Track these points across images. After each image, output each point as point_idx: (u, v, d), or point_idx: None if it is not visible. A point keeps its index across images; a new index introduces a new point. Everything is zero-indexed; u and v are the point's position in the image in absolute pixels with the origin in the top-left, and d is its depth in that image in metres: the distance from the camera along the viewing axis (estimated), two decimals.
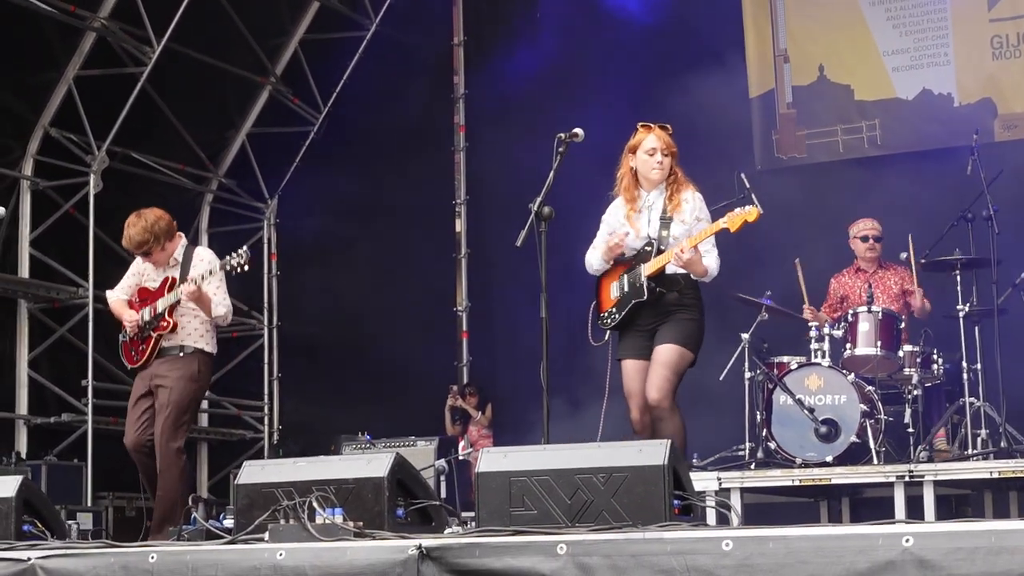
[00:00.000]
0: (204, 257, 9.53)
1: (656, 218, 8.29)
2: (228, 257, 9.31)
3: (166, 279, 9.44)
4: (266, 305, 16.85)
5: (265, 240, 16.96)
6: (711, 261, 8.28)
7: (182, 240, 9.61)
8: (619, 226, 8.41)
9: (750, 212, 8.08)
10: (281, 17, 16.24)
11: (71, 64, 14.46)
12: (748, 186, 10.91)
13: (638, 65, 14.30)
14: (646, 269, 8.20)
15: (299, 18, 16.36)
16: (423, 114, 16.22)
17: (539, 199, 7.77)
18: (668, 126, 8.49)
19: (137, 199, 14.68)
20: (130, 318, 9.49)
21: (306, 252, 16.67)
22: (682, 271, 8.22)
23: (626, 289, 8.25)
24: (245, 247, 9.37)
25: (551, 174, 7.89)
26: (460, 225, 16.17)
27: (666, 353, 8.18)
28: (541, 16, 15.43)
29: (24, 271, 14.49)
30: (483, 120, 16.07)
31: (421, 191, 16.10)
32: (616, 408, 8.56)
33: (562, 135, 8.02)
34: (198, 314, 9.38)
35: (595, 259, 8.54)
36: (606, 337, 8.44)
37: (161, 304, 9.36)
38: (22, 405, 14.50)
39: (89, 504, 13.77)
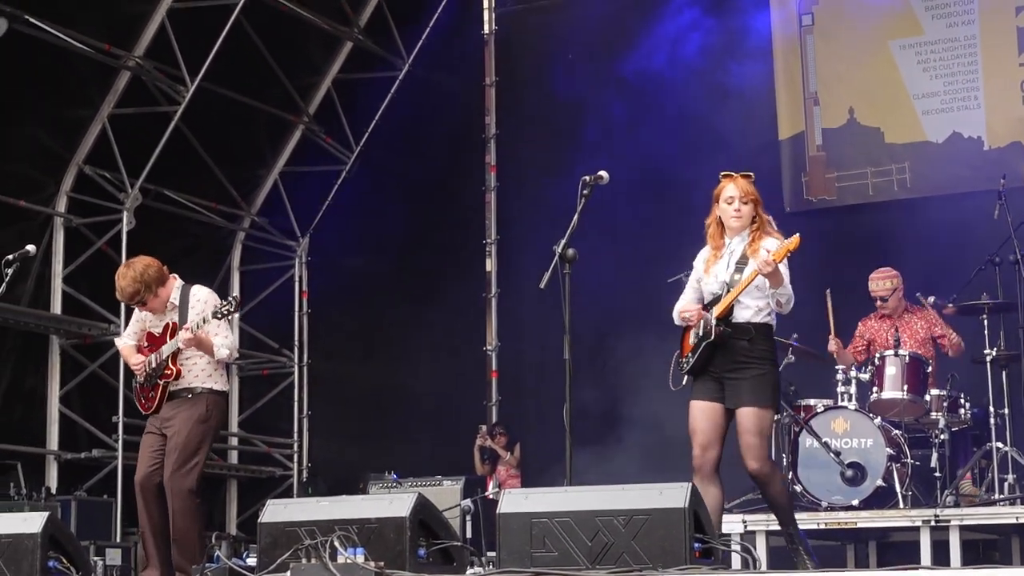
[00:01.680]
0: (201, 297, 9.46)
1: (733, 263, 8.27)
2: (217, 305, 9.28)
3: (167, 325, 9.43)
4: (296, 343, 16.88)
5: (296, 278, 17.01)
6: (785, 293, 8.16)
7: (176, 282, 9.51)
8: (703, 273, 8.41)
9: (792, 241, 8.05)
10: (314, 57, 16.33)
11: (106, 102, 14.55)
12: (776, 228, 10.93)
13: (668, 107, 14.30)
14: (715, 310, 8.17)
15: (332, 58, 16.45)
16: (454, 154, 16.27)
17: (563, 241, 7.77)
18: (751, 174, 8.47)
19: (169, 236, 14.91)
20: (136, 363, 9.49)
21: (337, 290, 16.70)
22: (754, 320, 8.16)
23: (700, 333, 8.23)
24: (234, 294, 9.35)
25: (575, 216, 7.90)
26: (490, 264, 16.17)
27: (750, 420, 8.11)
28: (572, 57, 15.47)
29: (56, 307, 14.56)
30: (514, 160, 16.10)
31: (452, 230, 16.14)
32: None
33: (587, 177, 8.03)
34: (203, 354, 9.38)
35: (676, 312, 8.47)
36: (684, 382, 8.33)
37: (165, 351, 9.34)
38: (53, 440, 14.56)
39: (118, 540, 13.79)
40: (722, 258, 8.32)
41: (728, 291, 8.16)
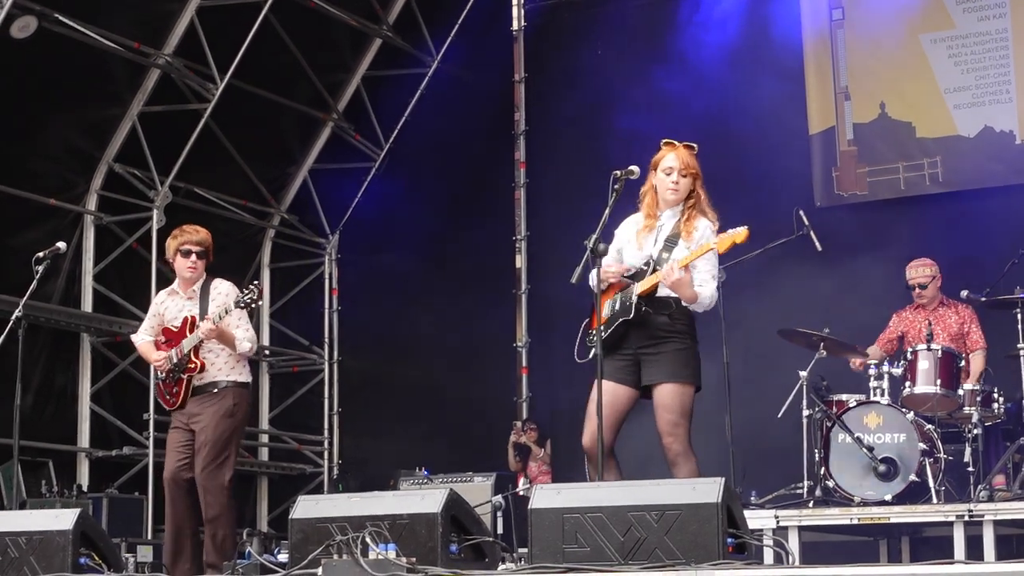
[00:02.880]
0: (222, 290, 9.47)
1: (662, 239, 8.01)
2: (240, 294, 9.26)
3: (186, 319, 9.42)
4: (327, 340, 16.90)
5: (326, 275, 17.04)
6: (705, 291, 7.86)
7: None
8: (627, 242, 8.17)
9: (739, 233, 7.83)
10: (343, 54, 16.33)
11: (135, 100, 14.59)
12: (807, 223, 10.92)
13: (698, 101, 14.25)
14: (637, 288, 7.92)
15: (361, 55, 16.45)
16: (484, 150, 16.25)
17: (594, 236, 7.71)
18: (694, 145, 8.14)
19: None
20: (157, 359, 9.48)
21: (367, 287, 16.72)
22: (675, 295, 7.89)
23: (616, 307, 7.97)
24: (256, 283, 9.33)
25: (607, 211, 7.84)
26: (520, 261, 16.15)
27: (668, 395, 7.81)
28: (601, 53, 15.43)
29: (87, 305, 14.60)
30: (543, 156, 16.07)
31: (481, 227, 16.11)
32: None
33: (618, 172, 7.94)
34: (225, 347, 9.36)
35: (593, 276, 8.05)
36: (590, 355, 7.93)
37: (186, 345, 9.32)
38: (84, 438, 14.60)
39: (149, 537, 13.82)
40: (652, 231, 8.06)
41: (651, 266, 7.92)
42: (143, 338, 9.67)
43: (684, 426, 7.82)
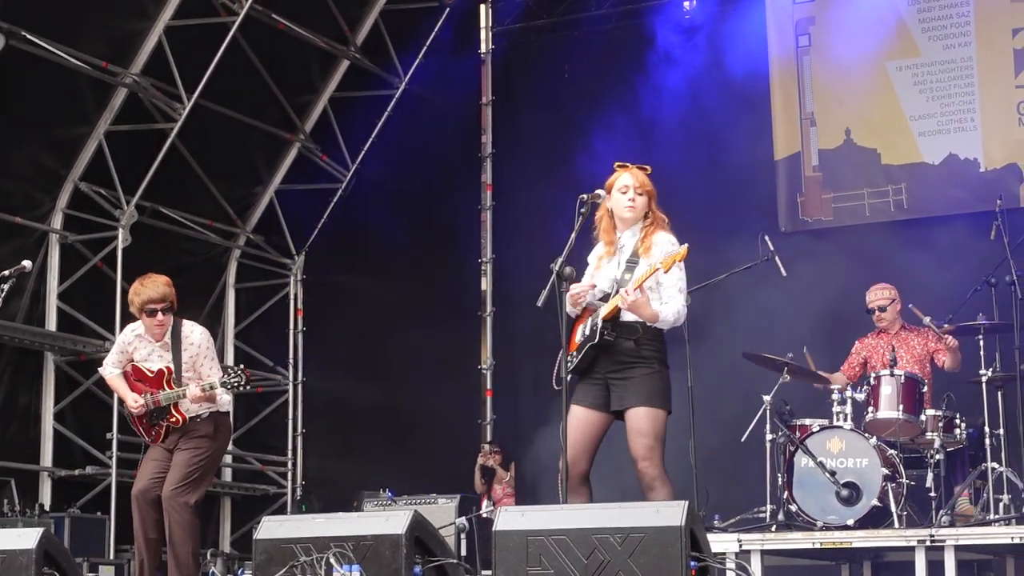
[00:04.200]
0: (194, 340, 9.49)
1: (623, 260, 8.00)
2: (226, 376, 9.32)
3: (162, 371, 9.44)
4: (291, 361, 16.89)
5: (292, 296, 17.04)
6: (670, 308, 7.85)
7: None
8: (595, 269, 8.21)
9: (679, 253, 7.86)
10: (311, 75, 16.35)
11: (102, 119, 14.59)
12: (772, 248, 10.97)
13: (664, 125, 14.33)
14: (601, 312, 7.91)
15: (329, 76, 16.48)
16: (450, 172, 16.29)
17: (560, 259, 7.74)
18: (647, 167, 8.16)
19: (165, 254, 14.93)
20: (134, 403, 9.47)
21: (332, 308, 16.75)
22: (639, 319, 7.89)
23: (587, 333, 7.97)
24: (242, 367, 9.40)
25: (573, 235, 7.87)
26: (486, 283, 16.18)
27: (640, 420, 7.80)
28: (569, 76, 15.50)
29: (51, 324, 14.57)
30: (510, 179, 16.12)
31: (447, 249, 16.16)
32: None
33: (584, 196, 7.98)
34: (200, 382, 9.40)
35: (567, 301, 8.02)
36: (568, 380, 7.82)
37: (163, 398, 9.37)
38: (47, 457, 14.56)
39: (112, 557, 13.78)
40: (614, 255, 8.07)
41: (617, 293, 7.89)
42: (112, 371, 9.66)
43: (659, 450, 7.82)
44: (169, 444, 9.43)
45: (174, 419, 9.36)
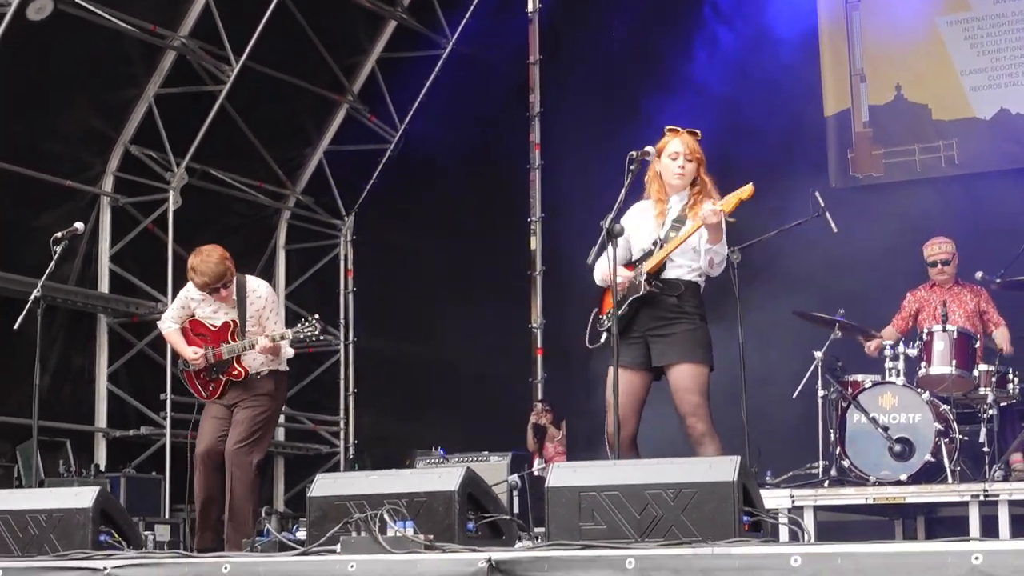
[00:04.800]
0: (261, 294, 9.52)
1: (670, 220, 8.06)
2: (300, 326, 9.37)
3: (227, 324, 9.47)
4: (342, 321, 16.94)
5: (342, 256, 17.07)
6: (722, 250, 7.90)
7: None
8: (635, 229, 8.18)
9: (744, 190, 7.87)
10: (358, 36, 16.35)
11: (151, 82, 14.63)
12: (823, 204, 10.91)
13: (713, 82, 14.27)
14: (646, 265, 7.97)
15: (376, 37, 16.47)
16: (499, 132, 16.26)
17: (610, 216, 7.73)
18: (697, 132, 8.19)
19: (215, 216, 14.98)
20: (193, 356, 9.50)
21: (382, 268, 16.77)
22: (684, 277, 7.98)
23: (626, 288, 8.02)
24: (316, 317, 9.43)
25: (622, 192, 7.85)
26: (535, 243, 16.17)
27: (686, 376, 7.86)
28: (616, 34, 15.44)
29: (104, 286, 14.65)
30: (558, 138, 16.08)
31: (496, 208, 16.14)
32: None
33: (634, 153, 7.96)
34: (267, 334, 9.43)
35: (597, 274, 8.10)
36: (602, 340, 8.01)
37: (226, 351, 9.39)
38: (101, 418, 14.67)
39: (167, 516, 13.88)
40: (662, 216, 8.10)
41: (661, 247, 7.99)
42: (171, 326, 9.69)
43: (706, 406, 7.87)
44: (228, 400, 9.47)
45: (236, 372, 9.40)
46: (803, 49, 14.53)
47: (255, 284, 9.58)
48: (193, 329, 9.59)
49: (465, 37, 16.47)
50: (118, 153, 14.74)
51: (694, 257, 7.99)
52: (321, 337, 9.53)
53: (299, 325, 9.40)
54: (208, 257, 9.33)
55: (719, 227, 7.79)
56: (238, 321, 9.42)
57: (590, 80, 15.62)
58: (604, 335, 7.93)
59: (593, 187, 13.08)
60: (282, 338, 9.36)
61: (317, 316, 9.49)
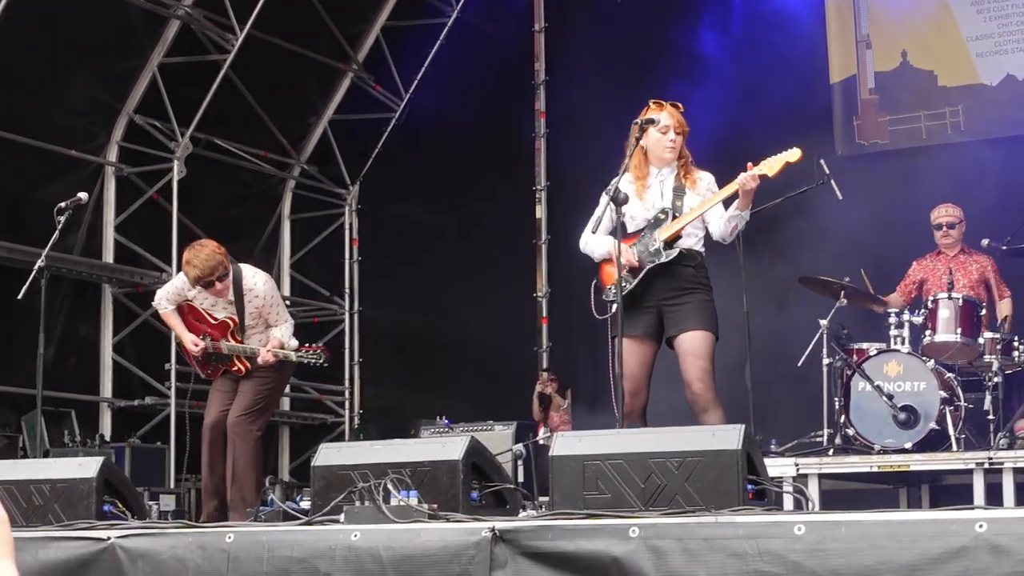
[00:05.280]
0: (259, 292, 9.50)
1: (669, 190, 8.08)
2: (305, 351, 9.40)
3: (226, 322, 9.45)
4: (347, 290, 16.94)
5: (347, 226, 17.07)
6: (747, 215, 8.02)
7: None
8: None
9: (792, 153, 7.89)
10: (363, 4, 16.31)
11: (155, 51, 14.60)
12: (828, 172, 10.87)
13: (718, 50, 14.23)
14: (662, 232, 7.97)
15: (381, 5, 16.43)
16: (504, 100, 16.23)
17: (615, 184, 7.74)
18: (679, 105, 8.23)
19: (220, 185, 14.97)
20: (192, 348, 9.49)
21: (387, 238, 16.76)
22: (696, 248, 8.03)
23: (642, 256, 8.00)
24: (321, 346, 9.51)
25: (627, 160, 7.87)
26: (540, 211, 16.15)
27: (699, 343, 7.90)
28: (621, 1, 15.37)
29: (109, 256, 14.65)
30: (563, 106, 16.04)
31: (501, 177, 16.11)
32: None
33: (638, 121, 7.98)
34: (271, 348, 9.43)
35: (597, 247, 8.16)
36: (612, 310, 7.94)
37: (226, 349, 9.41)
38: (106, 388, 14.68)
39: (172, 486, 13.90)
40: (651, 187, 8.11)
41: (668, 215, 8.00)
42: (167, 306, 9.66)
43: (712, 373, 7.95)
44: (234, 374, 9.50)
45: (236, 368, 9.42)
46: (809, 15, 14.47)
47: (252, 280, 9.54)
48: (191, 314, 9.58)
49: (470, 5, 16.41)
50: (122, 123, 14.72)
51: (701, 227, 8.06)
52: (325, 365, 9.58)
53: (304, 351, 9.41)
54: (201, 250, 9.34)
55: (752, 193, 7.85)
56: (236, 320, 9.42)
57: (595, 48, 15.56)
58: (614, 305, 7.89)
59: (598, 156, 13.03)
60: (284, 357, 9.36)
61: (323, 345, 9.54)
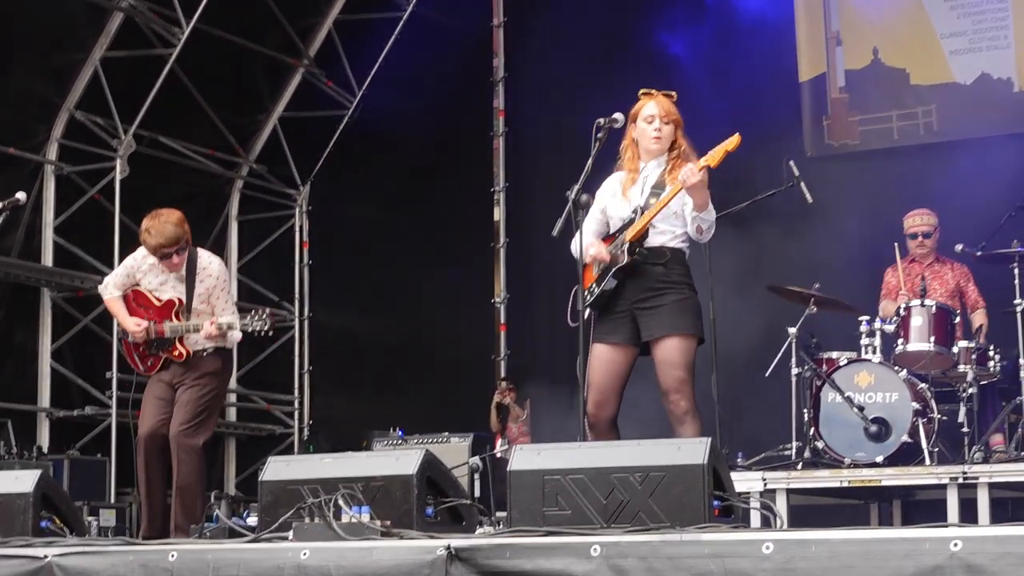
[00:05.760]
0: (211, 271, 9.47)
1: (648, 187, 7.96)
2: (250, 318, 9.34)
3: (171, 301, 9.41)
4: (297, 295, 16.90)
5: (297, 228, 17.03)
6: (711, 213, 7.78)
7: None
8: (611, 197, 8.14)
9: (731, 141, 7.81)
10: None
11: (98, 45, 14.54)
12: (797, 173, 10.89)
13: (685, 47, 14.26)
14: (627, 234, 7.87)
15: None
16: (461, 98, 16.21)
17: (577, 187, 7.72)
18: (673, 93, 8.13)
19: (165, 185, 14.89)
20: (134, 329, 9.43)
21: (339, 241, 16.73)
22: (669, 244, 7.89)
23: (607, 261, 7.92)
24: (269, 310, 9.43)
25: (589, 162, 7.83)
26: (499, 213, 16.16)
27: (673, 350, 7.75)
28: None
29: (48, 259, 14.57)
30: (523, 104, 16.05)
31: (458, 178, 16.10)
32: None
33: (601, 120, 7.94)
34: (214, 319, 9.38)
35: (576, 246, 7.97)
36: (586, 316, 7.84)
37: (169, 330, 9.34)
38: (44, 397, 14.60)
39: (112, 500, 13.83)
40: (636, 183, 8.03)
41: (642, 215, 7.89)
42: (113, 292, 9.61)
43: (690, 382, 7.81)
44: (170, 378, 9.40)
45: (177, 353, 9.34)
46: (777, 10, 14.51)
47: (207, 261, 9.52)
48: (136, 299, 9.52)
49: None
50: (63, 119, 14.65)
51: (677, 223, 7.90)
52: (271, 332, 9.49)
53: (248, 317, 9.36)
54: (167, 219, 9.28)
55: (702, 190, 7.68)
56: (184, 299, 9.36)
57: (557, 43, 15.56)
58: (587, 312, 7.86)
59: (559, 156, 13.07)
60: (229, 327, 9.31)
61: (269, 310, 9.48)
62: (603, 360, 7.82)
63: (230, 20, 15.07)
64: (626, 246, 7.87)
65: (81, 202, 14.73)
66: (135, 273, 9.54)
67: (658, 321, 7.83)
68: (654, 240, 7.91)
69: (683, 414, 7.77)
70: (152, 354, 9.44)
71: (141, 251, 9.52)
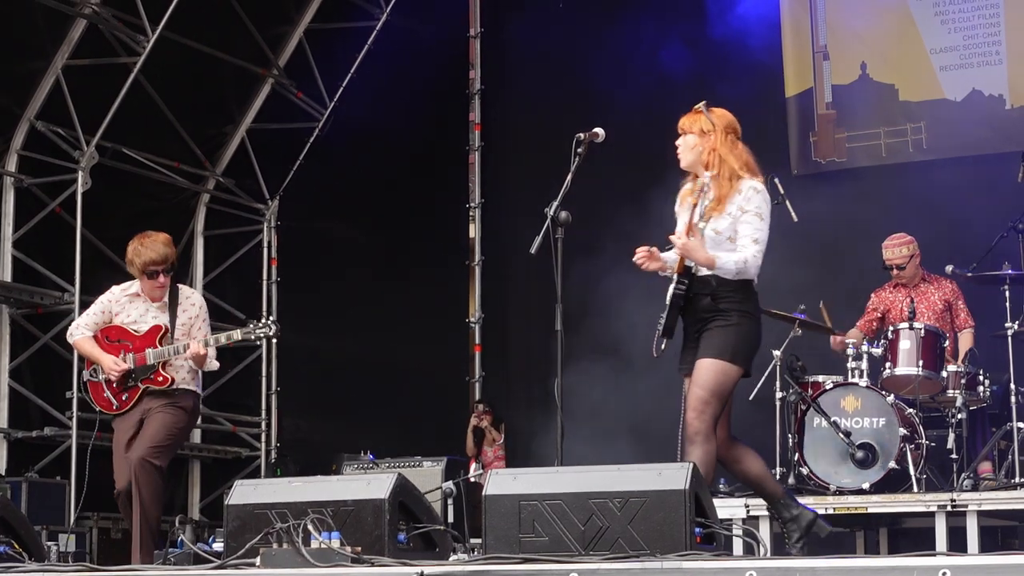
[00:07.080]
0: (195, 302, 9.63)
1: (703, 204, 7.93)
2: (253, 326, 9.41)
3: (155, 328, 9.45)
4: (265, 313, 16.85)
5: (265, 243, 16.99)
6: (731, 256, 7.78)
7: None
8: (678, 201, 8.17)
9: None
10: (285, 4, 16.26)
11: (59, 53, 14.50)
12: (783, 192, 10.93)
13: (667, 60, 14.29)
14: (676, 265, 7.91)
15: (304, 6, 16.38)
16: (436, 111, 16.24)
17: (555, 203, 7.75)
18: (698, 107, 8.27)
19: (128, 198, 14.88)
20: (114, 365, 9.44)
21: (309, 257, 16.70)
22: (712, 272, 7.83)
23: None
24: (273, 319, 9.48)
25: (569, 177, 7.87)
26: (474, 230, 16.17)
27: (701, 371, 7.79)
28: (563, 6, 15.42)
29: (6, 274, 14.52)
30: (500, 118, 16.08)
31: (433, 193, 16.12)
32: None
33: (581, 135, 7.97)
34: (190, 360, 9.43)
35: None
36: (664, 347, 7.94)
37: (152, 356, 9.38)
38: (2, 417, 14.55)
39: (72, 525, 13.79)
40: (692, 194, 8.02)
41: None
42: (84, 333, 9.62)
43: (713, 406, 7.78)
44: (140, 415, 9.41)
45: (161, 379, 9.37)
46: (763, 24, 14.55)
47: (190, 291, 9.76)
48: (108, 336, 9.54)
49: (400, 7, 16.39)
50: (23, 130, 14.61)
51: (729, 248, 7.86)
52: (275, 340, 9.58)
53: (252, 324, 9.44)
54: (156, 238, 9.47)
55: (696, 252, 7.74)
56: (168, 326, 9.42)
57: (534, 55, 15.60)
58: (664, 341, 7.92)
59: (537, 171, 13.11)
60: (228, 340, 9.36)
61: (272, 318, 9.53)
62: (686, 391, 7.92)
63: (197, 28, 15.06)
64: (673, 284, 7.90)
65: (41, 215, 14.69)
66: (111, 308, 9.58)
67: (700, 347, 7.88)
68: (701, 269, 7.90)
69: (693, 434, 7.79)
70: (129, 387, 9.45)
71: (118, 288, 9.62)
